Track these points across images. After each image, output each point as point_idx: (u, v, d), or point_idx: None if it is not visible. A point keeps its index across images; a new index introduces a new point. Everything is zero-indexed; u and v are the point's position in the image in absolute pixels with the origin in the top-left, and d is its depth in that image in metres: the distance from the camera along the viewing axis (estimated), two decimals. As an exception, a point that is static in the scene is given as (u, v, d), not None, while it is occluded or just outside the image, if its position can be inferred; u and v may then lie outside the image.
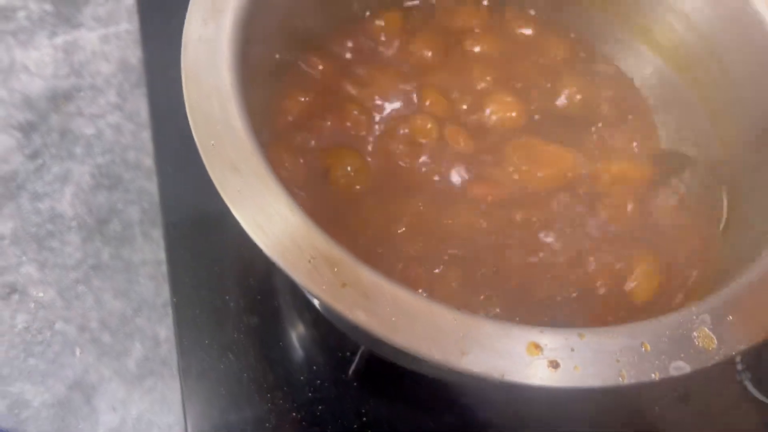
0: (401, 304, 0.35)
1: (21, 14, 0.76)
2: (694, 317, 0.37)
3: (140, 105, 0.71)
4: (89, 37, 0.75)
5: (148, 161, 0.68)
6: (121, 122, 0.70)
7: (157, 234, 0.65)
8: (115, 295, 0.62)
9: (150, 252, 0.64)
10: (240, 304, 0.61)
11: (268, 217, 0.37)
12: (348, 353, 0.58)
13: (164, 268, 0.63)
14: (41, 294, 0.61)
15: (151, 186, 0.67)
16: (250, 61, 0.44)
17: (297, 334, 0.60)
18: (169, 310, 0.61)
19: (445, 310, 0.35)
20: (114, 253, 0.64)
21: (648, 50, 0.61)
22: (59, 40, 0.74)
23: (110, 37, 0.75)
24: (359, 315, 0.35)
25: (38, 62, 0.73)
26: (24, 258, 0.62)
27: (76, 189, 0.66)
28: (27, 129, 0.69)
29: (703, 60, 0.57)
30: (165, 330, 0.61)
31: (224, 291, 0.61)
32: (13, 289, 0.61)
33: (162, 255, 0.63)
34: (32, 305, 0.60)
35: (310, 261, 0.36)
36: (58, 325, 0.60)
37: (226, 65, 0.42)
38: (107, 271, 0.63)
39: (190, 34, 0.43)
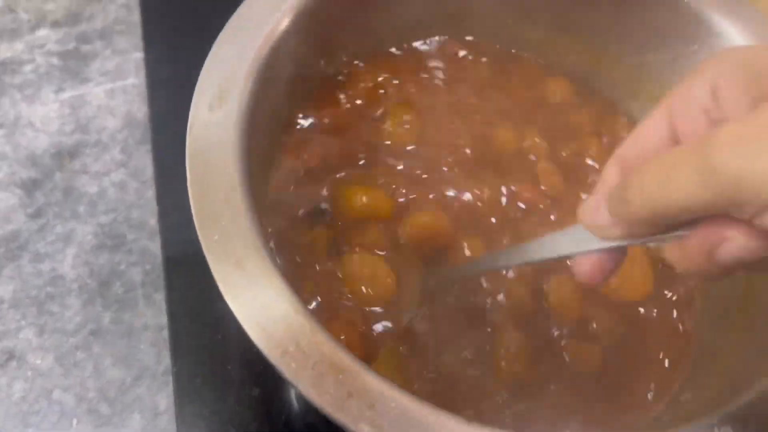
0: (410, 417, 0.34)
1: (28, 68, 0.75)
2: (716, 429, 0.36)
3: (145, 162, 0.71)
4: (96, 92, 0.75)
5: (152, 221, 0.67)
6: (125, 180, 0.70)
7: (160, 297, 0.64)
8: (115, 362, 0.61)
9: (152, 316, 0.63)
10: (242, 375, 0.59)
11: (271, 318, 0.36)
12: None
13: (166, 333, 0.61)
14: (39, 361, 0.60)
15: (155, 247, 0.66)
16: (256, 148, 0.43)
17: (301, 408, 0.58)
18: (170, 379, 0.59)
19: (457, 424, 0.34)
20: (115, 317, 0.63)
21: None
22: (66, 95, 0.74)
23: (117, 92, 0.75)
24: (364, 429, 0.33)
25: (44, 118, 0.72)
26: (23, 322, 0.61)
27: (78, 249, 0.65)
28: (30, 187, 0.68)
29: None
30: (165, 400, 0.59)
31: (226, 360, 0.60)
32: (11, 356, 0.60)
33: (164, 320, 0.62)
34: (30, 373, 0.59)
35: (313, 367, 0.35)
36: (56, 394, 0.59)
37: (233, 153, 0.41)
38: (107, 336, 0.62)
39: (196, 120, 0.42)
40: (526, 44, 0.64)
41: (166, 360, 0.61)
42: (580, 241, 0.34)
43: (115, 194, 0.69)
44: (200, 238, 0.37)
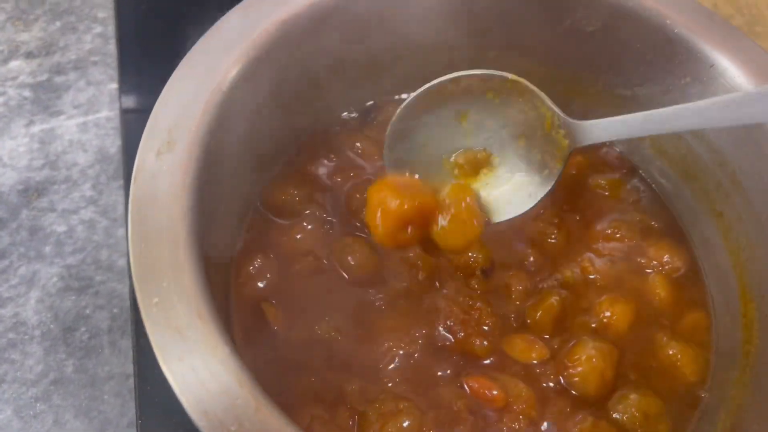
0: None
1: (-1, 101, 0.73)
2: None
3: (116, 198, 0.68)
4: (67, 125, 0.72)
5: (122, 261, 0.64)
6: (94, 218, 0.67)
7: (126, 344, 0.60)
8: (77, 414, 0.57)
9: (117, 365, 0.60)
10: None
11: (212, 392, 0.32)
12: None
13: (131, 382, 0.58)
14: (-4, 414, 0.57)
15: (123, 289, 0.63)
16: (209, 198, 0.40)
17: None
18: (134, 432, 0.56)
19: None
20: (78, 365, 0.59)
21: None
22: (36, 128, 0.72)
23: (89, 125, 0.72)
24: None
25: (12, 152, 0.70)
26: (-18, 372, 0.58)
27: (42, 293, 0.62)
28: (-5, 226, 0.65)
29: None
30: (128, 455, 0.56)
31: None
32: (-34, 408, 0.57)
33: (130, 368, 0.59)
34: (-14, 427, 0.56)
35: (258, 452, 0.31)
36: (13, 450, 0.55)
37: (181, 205, 0.38)
38: (70, 386, 0.58)
39: (142, 169, 0.39)
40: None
41: (131, 412, 0.58)
42: None
43: (83, 233, 0.66)
44: (139, 301, 0.34)
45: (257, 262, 0.49)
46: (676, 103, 0.53)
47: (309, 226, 0.51)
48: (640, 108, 0.55)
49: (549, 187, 0.47)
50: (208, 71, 0.43)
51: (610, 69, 0.56)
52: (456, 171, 0.49)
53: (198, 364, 0.33)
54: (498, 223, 0.48)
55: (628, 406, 0.46)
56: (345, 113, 0.58)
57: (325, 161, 0.55)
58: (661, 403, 0.47)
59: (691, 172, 0.54)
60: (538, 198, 0.48)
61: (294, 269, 0.49)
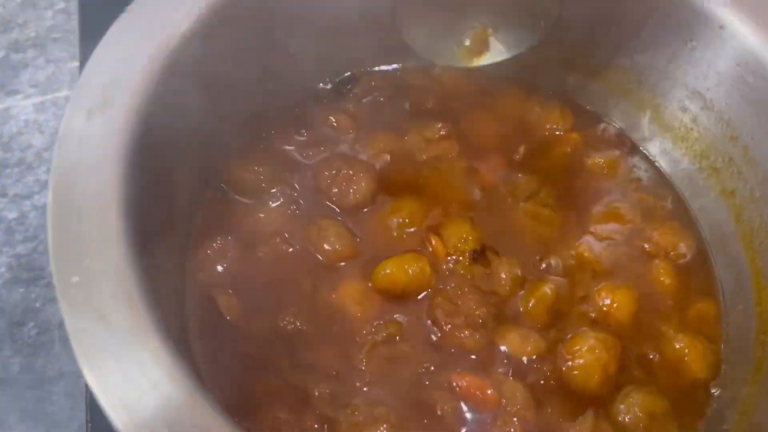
0: None
1: (-50, 80, 0.68)
2: None
3: (74, 183, 0.62)
4: (23, 105, 0.67)
5: (77, 250, 0.59)
6: (49, 204, 0.61)
7: (79, 340, 0.55)
8: (22, 418, 0.52)
9: (68, 363, 0.54)
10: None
11: (139, 389, 0.27)
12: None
13: (83, 382, 0.53)
14: (-68, 416, 0.51)
15: (78, 280, 0.58)
16: (149, 166, 0.35)
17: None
18: (84, 437, 0.51)
19: None
20: (26, 363, 0.54)
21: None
22: (-11, 108, 0.66)
23: (47, 105, 0.67)
24: None
25: (-38, 134, 0.64)
26: None
27: (-11, 285, 0.57)
28: (-62, 213, 0.60)
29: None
30: (77, 462, 0.51)
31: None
32: None
33: (82, 366, 0.53)
34: None
35: (187, 457, 0.26)
36: (-51, 457, 0.50)
37: (114, 172, 0.33)
38: (15, 386, 0.53)
39: (70, 133, 0.34)
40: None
41: (82, 414, 0.52)
42: None
43: (36, 220, 0.61)
44: (54, 279, 0.29)
45: (216, 244, 0.44)
46: (682, 71, 0.48)
47: (275, 205, 0.46)
48: (642, 78, 0.50)
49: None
50: (154, 24, 0.38)
51: (608, 37, 0.51)
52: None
53: (123, 357, 0.28)
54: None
55: (631, 406, 0.40)
56: (320, 84, 0.53)
57: (296, 136, 0.50)
58: (667, 403, 0.42)
59: (699, 148, 0.49)
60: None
61: (257, 253, 0.44)
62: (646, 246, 0.48)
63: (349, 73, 0.54)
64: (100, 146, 0.33)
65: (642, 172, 0.52)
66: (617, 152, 0.53)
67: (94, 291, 0.29)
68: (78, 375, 0.54)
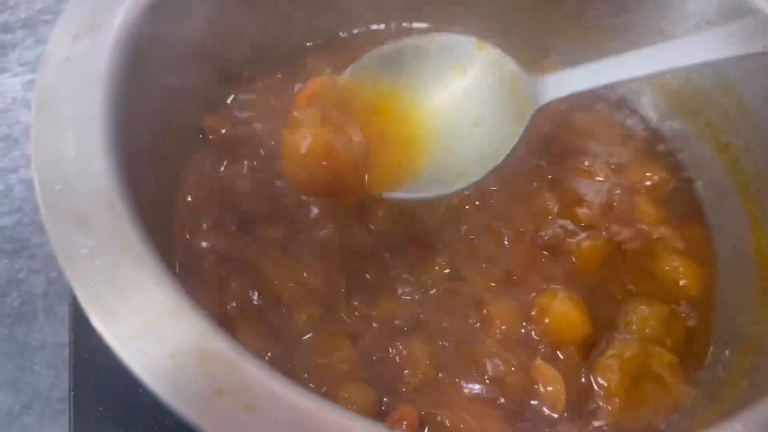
0: (300, 419, 0.24)
1: (-63, 59, 0.67)
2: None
3: (62, 158, 0.62)
4: (12, 83, 0.66)
5: (63, 223, 0.58)
6: (35, 177, 0.60)
7: (63, 311, 0.54)
8: (1, 387, 0.50)
9: (51, 333, 0.53)
10: (154, 403, 0.49)
11: (123, 295, 0.26)
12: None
13: (66, 352, 0.51)
14: None
15: (64, 252, 0.56)
16: (137, 93, 0.34)
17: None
18: (66, 407, 0.48)
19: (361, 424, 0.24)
20: (7, 333, 0.52)
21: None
22: (-23, 86, 0.65)
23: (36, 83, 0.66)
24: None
25: (-52, 110, 0.63)
26: None
27: (-29, 255, 0.55)
28: None
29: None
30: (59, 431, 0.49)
31: (135, 386, 0.49)
32: None
33: (65, 337, 0.52)
34: None
35: (173, 357, 0.25)
36: (-75, 426, 0.48)
37: (98, 92, 0.32)
38: (-4, 356, 0.51)
39: (55, 53, 0.33)
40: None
41: (64, 385, 0.50)
42: None
43: (22, 193, 0.59)
44: (37, 190, 0.28)
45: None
46: (673, 27, 0.48)
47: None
48: (631, 38, 0.50)
49: (509, 149, 0.40)
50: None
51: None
52: None
53: (108, 261, 0.27)
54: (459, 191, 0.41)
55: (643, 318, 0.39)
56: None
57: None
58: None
59: (692, 104, 0.49)
60: (500, 159, 0.40)
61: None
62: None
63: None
64: (84, 66, 0.32)
65: (629, 129, 0.52)
66: (605, 107, 0.52)
67: (75, 198, 0.28)
68: (61, 345, 0.52)
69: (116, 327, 0.26)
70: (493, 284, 0.41)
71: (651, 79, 0.50)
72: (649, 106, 0.52)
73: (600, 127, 0.50)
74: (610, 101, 0.52)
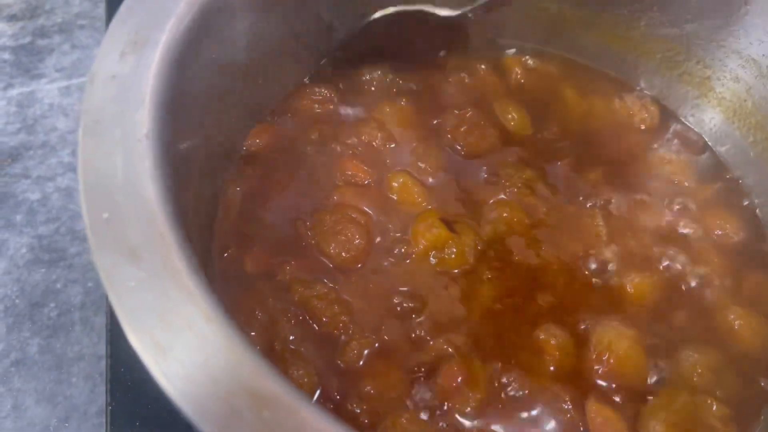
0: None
1: (-24, 64, 0.67)
2: None
3: (98, 166, 0.61)
4: (48, 89, 0.66)
5: (100, 232, 0.57)
6: (72, 185, 0.60)
7: (100, 322, 0.53)
8: (39, 400, 0.50)
9: (89, 344, 0.52)
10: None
11: (173, 330, 0.25)
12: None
13: (104, 364, 0.50)
14: (-53, 397, 0.49)
15: (100, 262, 0.56)
16: (181, 112, 0.33)
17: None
18: (103, 420, 0.48)
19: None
20: (44, 345, 0.52)
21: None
22: (15, 92, 0.65)
23: (72, 89, 0.66)
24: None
25: (-13, 116, 0.63)
26: (-66, 350, 0.51)
27: (9, 264, 0.55)
28: (-39, 193, 0.58)
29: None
30: (96, 447, 0.48)
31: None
32: None
33: (103, 348, 0.51)
34: (-66, 412, 0.48)
35: (225, 399, 0.24)
36: (-37, 439, 0.48)
37: (145, 111, 0.31)
38: (33, 368, 0.51)
39: (101, 71, 0.32)
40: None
41: (101, 397, 0.50)
42: None
43: (59, 201, 0.59)
44: (84, 216, 0.27)
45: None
46: (735, 39, 0.46)
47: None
48: (688, 50, 0.48)
49: None
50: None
51: (654, 4, 0.49)
52: None
53: (156, 293, 0.26)
54: None
55: (695, 365, 0.37)
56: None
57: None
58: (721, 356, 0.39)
59: (754, 120, 0.47)
60: None
61: None
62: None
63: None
64: (131, 87, 0.31)
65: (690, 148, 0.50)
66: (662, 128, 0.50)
67: (124, 227, 0.27)
68: (98, 357, 0.52)
69: (165, 364, 0.24)
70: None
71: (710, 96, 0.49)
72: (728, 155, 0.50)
73: (683, 167, 0.49)
74: (698, 145, 0.50)
